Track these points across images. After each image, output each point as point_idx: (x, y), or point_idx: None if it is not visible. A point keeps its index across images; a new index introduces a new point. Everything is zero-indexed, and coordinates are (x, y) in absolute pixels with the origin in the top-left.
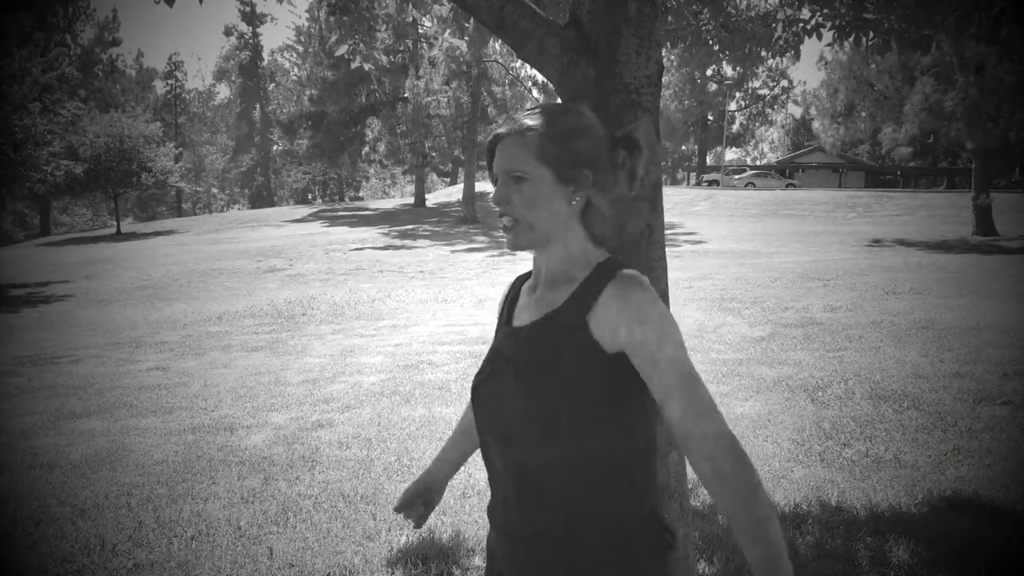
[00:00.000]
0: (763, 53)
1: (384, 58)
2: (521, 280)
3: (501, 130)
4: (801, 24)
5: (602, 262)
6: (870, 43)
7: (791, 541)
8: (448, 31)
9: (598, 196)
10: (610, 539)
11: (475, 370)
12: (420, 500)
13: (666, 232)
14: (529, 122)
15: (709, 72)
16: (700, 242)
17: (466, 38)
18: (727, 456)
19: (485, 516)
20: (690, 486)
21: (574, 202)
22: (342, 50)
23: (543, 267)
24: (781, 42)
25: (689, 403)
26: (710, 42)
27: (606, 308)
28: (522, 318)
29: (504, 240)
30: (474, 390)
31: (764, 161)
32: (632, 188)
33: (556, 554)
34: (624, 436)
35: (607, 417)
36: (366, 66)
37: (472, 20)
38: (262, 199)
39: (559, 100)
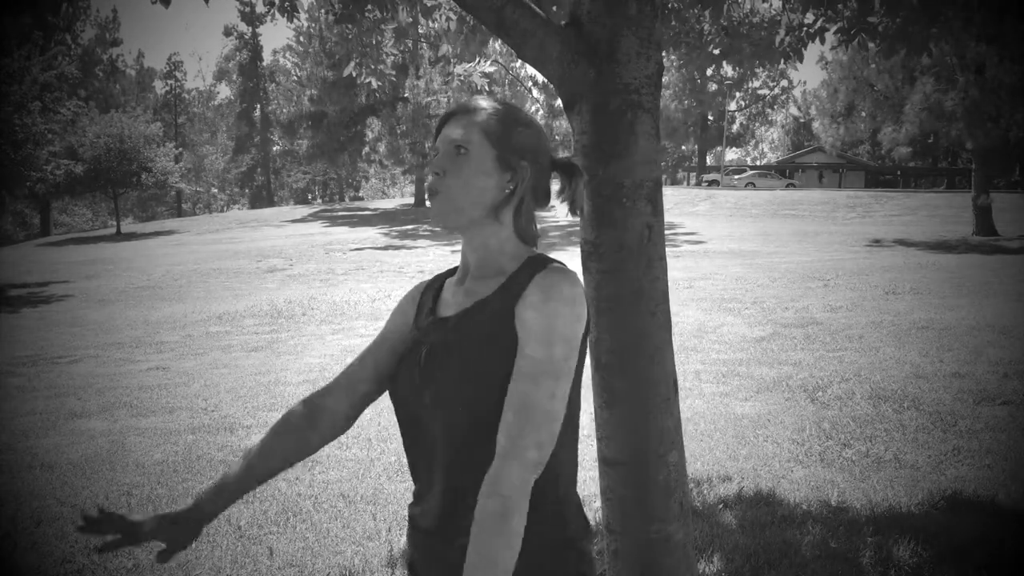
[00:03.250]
0: (767, 63)
1: (391, 72)
2: (437, 280)
3: (453, 108)
4: (805, 28)
5: (533, 256)
6: (878, 48)
7: (792, 541)
8: (466, 60)
9: (529, 197)
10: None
11: None
12: (174, 526)
13: (666, 232)
14: (482, 104)
15: (709, 72)
16: (700, 242)
17: (488, 56)
18: (499, 518)
19: None
20: (690, 486)
21: (507, 190)
22: (350, 69)
23: (471, 260)
24: (784, 47)
25: (520, 428)
26: (711, 47)
27: (530, 297)
28: (449, 309)
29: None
30: (393, 390)
31: (764, 161)
32: (574, 211)
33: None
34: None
35: None
36: (375, 83)
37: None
38: (262, 199)
39: (560, 101)
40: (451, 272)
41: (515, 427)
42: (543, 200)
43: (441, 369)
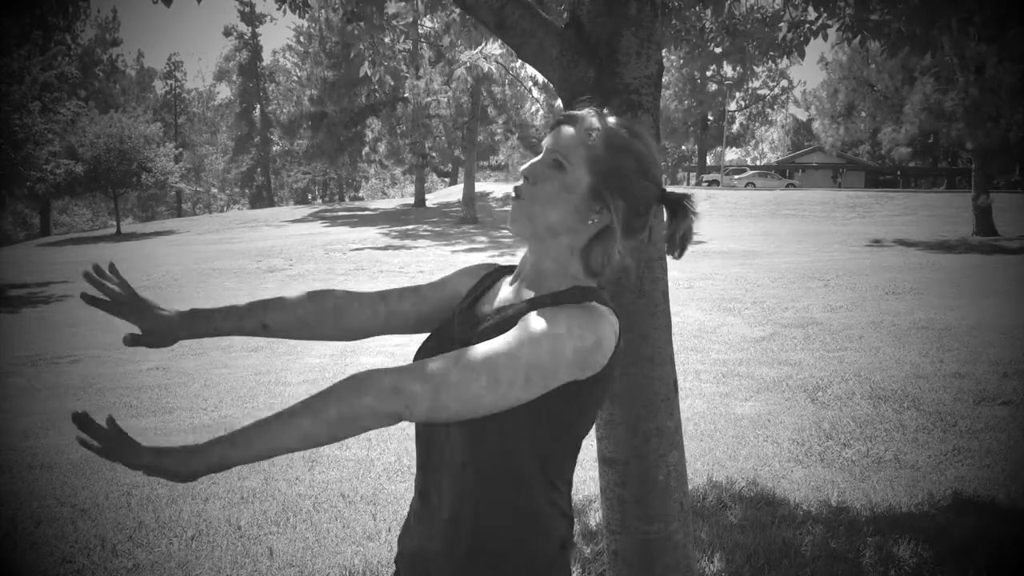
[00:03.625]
0: (770, 54)
1: (404, 68)
2: (501, 272)
3: (579, 112)
4: (807, 25)
5: (583, 287)
6: (882, 50)
7: (792, 541)
8: (469, 48)
9: (614, 234)
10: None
11: None
12: (161, 318)
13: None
14: (600, 123)
15: (709, 72)
16: (700, 242)
17: (485, 52)
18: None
19: None
20: (690, 486)
21: (590, 222)
22: (365, 69)
23: (528, 265)
24: (786, 43)
25: (423, 372)
26: (712, 45)
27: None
28: (486, 306)
29: (507, 232)
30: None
31: (764, 161)
32: (672, 253)
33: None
34: (541, 444)
35: (528, 423)
36: (390, 80)
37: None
38: (262, 199)
39: (560, 101)
40: (506, 269)
41: (421, 369)
42: (634, 234)
43: None
